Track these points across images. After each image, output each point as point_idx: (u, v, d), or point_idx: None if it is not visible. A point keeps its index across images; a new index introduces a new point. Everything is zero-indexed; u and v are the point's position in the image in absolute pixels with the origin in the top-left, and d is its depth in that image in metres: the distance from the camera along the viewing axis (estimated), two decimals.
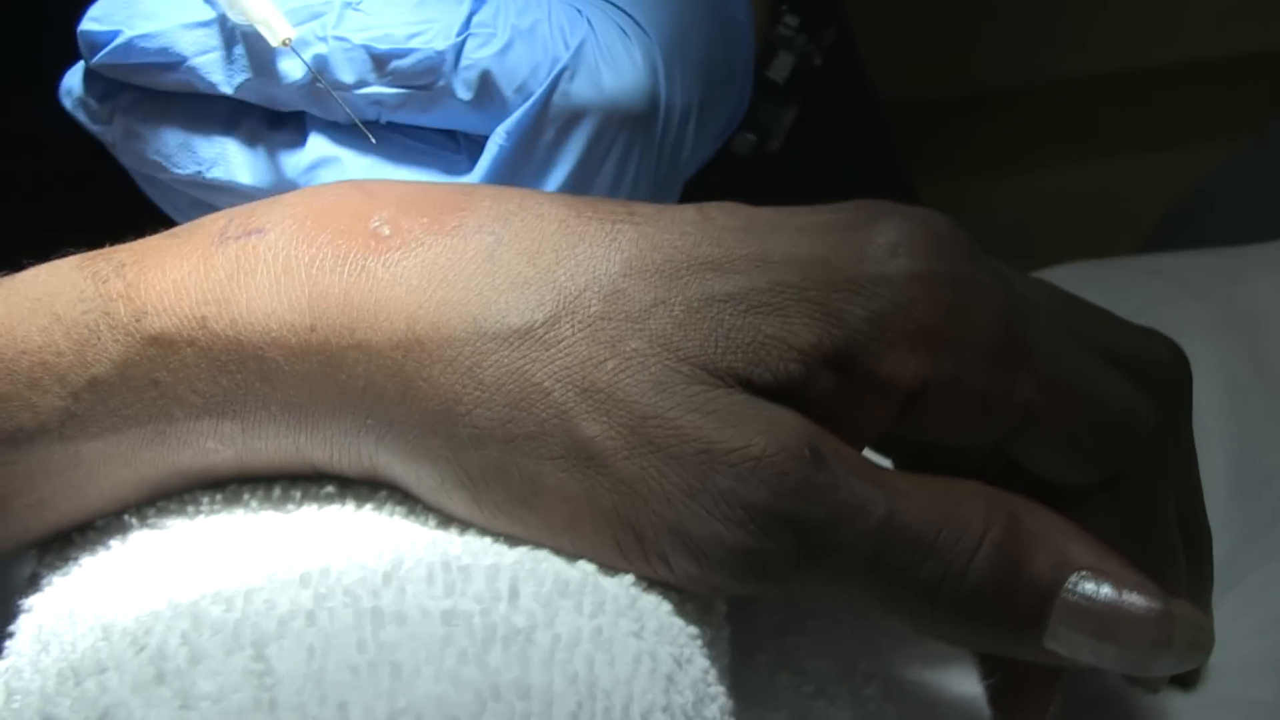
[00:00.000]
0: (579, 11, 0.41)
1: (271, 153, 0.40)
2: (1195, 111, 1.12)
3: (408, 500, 0.34)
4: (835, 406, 0.32)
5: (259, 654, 0.29)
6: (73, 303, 0.33)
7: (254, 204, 0.35)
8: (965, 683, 0.36)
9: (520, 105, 0.39)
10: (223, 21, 0.39)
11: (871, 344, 0.32)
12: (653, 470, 0.31)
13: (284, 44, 0.38)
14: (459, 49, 0.39)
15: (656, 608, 0.31)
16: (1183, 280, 0.59)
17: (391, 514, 0.34)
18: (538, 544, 0.32)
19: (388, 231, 0.34)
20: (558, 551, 0.32)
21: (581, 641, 0.29)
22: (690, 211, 0.34)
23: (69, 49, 0.40)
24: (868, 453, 0.36)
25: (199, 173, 0.40)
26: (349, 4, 0.39)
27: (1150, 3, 1.11)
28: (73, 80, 0.41)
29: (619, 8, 0.41)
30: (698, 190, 0.41)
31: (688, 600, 0.32)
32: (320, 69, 0.39)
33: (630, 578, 0.32)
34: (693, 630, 0.32)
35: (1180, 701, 0.42)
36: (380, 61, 0.39)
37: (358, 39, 0.39)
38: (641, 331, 0.32)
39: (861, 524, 0.31)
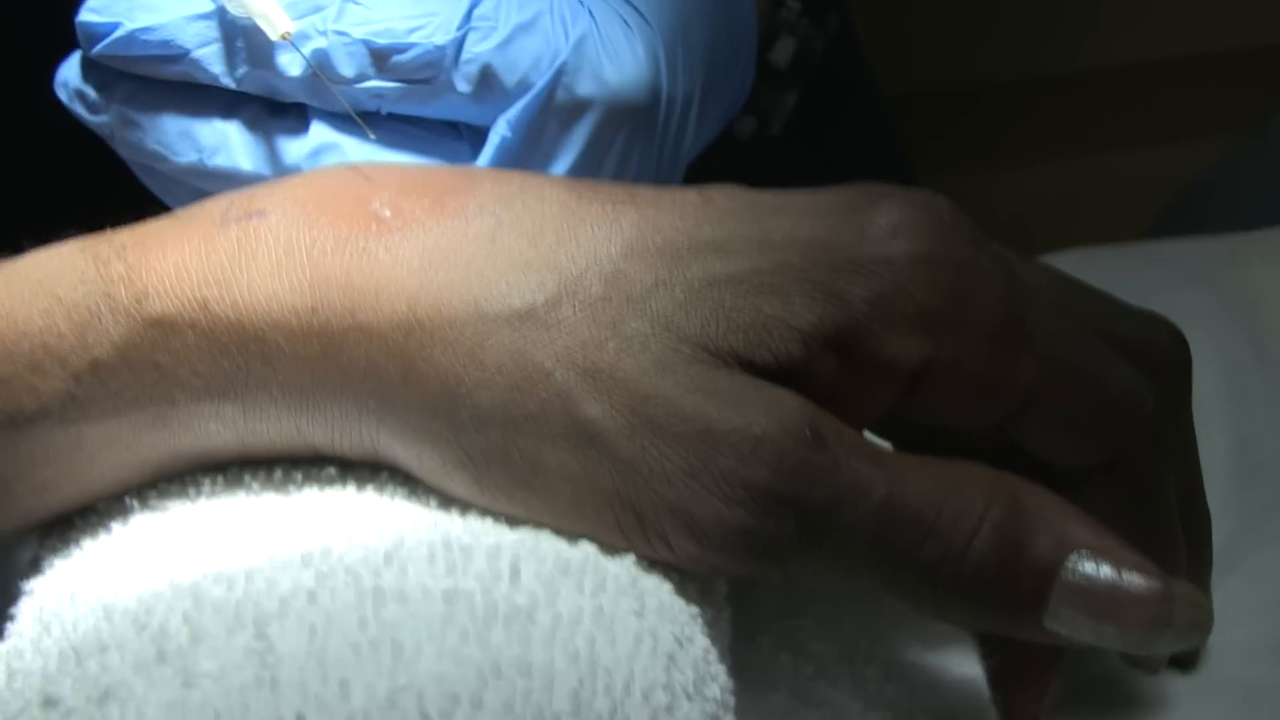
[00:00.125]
0: (581, 2, 0.41)
1: (273, 139, 0.40)
2: (1197, 106, 1.12)
3: (409, 482, 0.34)
4: (836, 388, 0.32)
5: (260, 633, 0.29)
6: (74, 285, 0.34)
7: (255, 187, 0.35)
8: (966, 664, 0.37)
9: (522, 98, 0.39)
10: (222, 13, 0.39)
11: (872, 325, 0.32)
12: (654, 451, 0.31)
13: (283, 38, 0.38)
14: (460, 43, 0.39)
15: (657, 587, 0.31)
16: (1183, 267, 0.59)
17: (393, 495, 0.34)
18: (539, 524, 0.32)
19: (389, 214, 0.34)
20: (559, 531, 0.32)
21: (583, 620, 0.29)
22: (691, 194, 0.34)
23: (63, 40, 0.40)
24: (869, 436, 0.36)
25: (200, 160, 0.40)
26: None
27: None
28: (69, 71, 0.41)
29: None
30: (699, 173, 0.41)
31: (689, 580, 0.32)
32: (320, 63, 0.39)
33: (631, 558, 0.32)
34: (694, 610, 0.32)
35: (1180, 683, 0.42)
36: (380, 56, 0.39)
37: (358, 33, 0.39)
38: (642, 313, 0.32)
39: (862, 504, 0.31)
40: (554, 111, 0.40)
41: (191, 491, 0.35)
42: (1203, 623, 0.31)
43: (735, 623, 0.35)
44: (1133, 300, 0.38)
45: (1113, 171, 1.17)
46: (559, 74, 0.39)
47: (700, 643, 0.31)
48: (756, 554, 0.31)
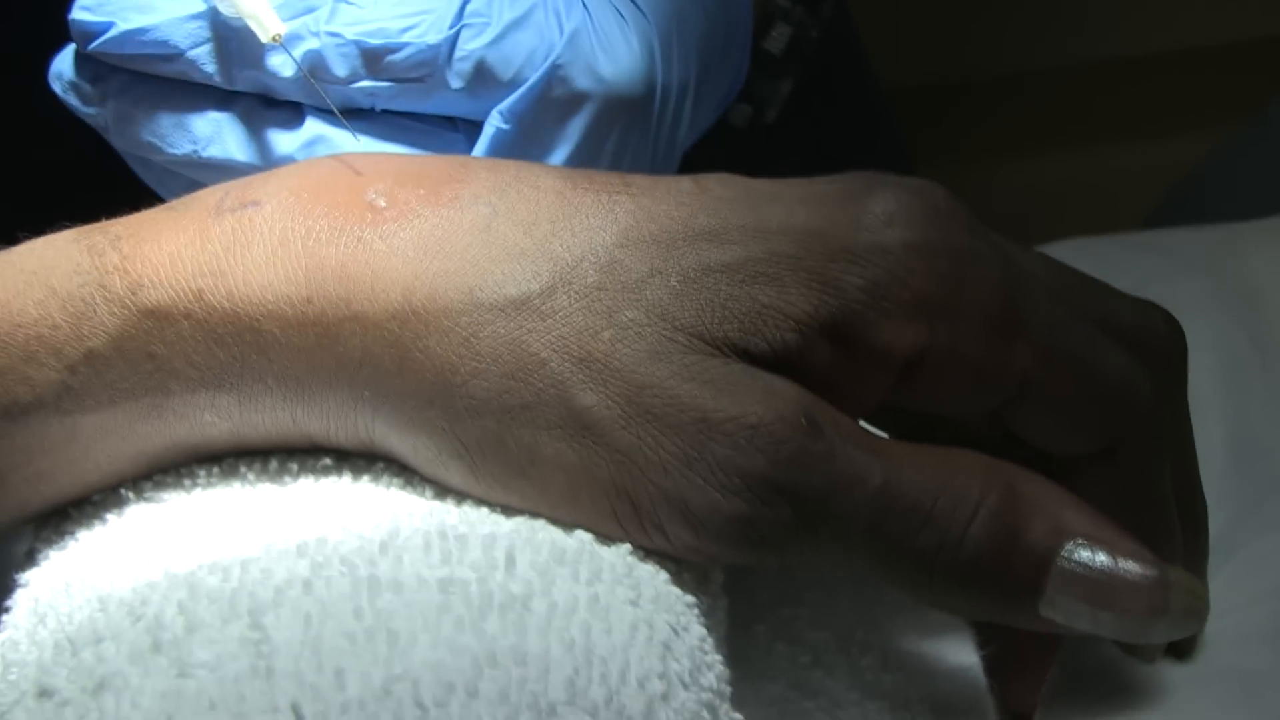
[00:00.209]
0: None
1: (268, 130, 0.40)
2: (1194, 98, 1.12)
3: (405, 472, 0.34)
4: (832, 376, 0.32)
5: (256, 622, 0.29)
6: (68, 276, 0.33)
7: (250, 177, 0.35)
8: (962, 652, 0.37)
9: (516, 92, 0.39)
10: (214, 14, 0.39)
11: (868, 313, 0.32)
12: (649, 439, 0.31)
13: (274, 40, 0.38)
14: (453, 41, 0.39)
15: (653, 576, 0.31)
16: (1180, 256, 0.59)
17: (388, 485, 0.34)
18: (535, 514, 0.32)
19: (384, 203, 0.34)
20: (554, 521, 0.32)
21: (578, 609, 0.29)
22: (686, 183, 0.34)
23: (58, 32, 0.40)
24: (865, 426, 0.36)
25: (194, 152, 0.40)
26: None
27: None
28: (62, 64, 0.41)
29: None
30: (695, 161, 0.41)
31: (684, 569, 0.32)
32: (314, 64, 0.39)
33: (627, 547, 0.32)
34: (689, 599, 0.32)
35: (1176, 672, 0.42)
36: (374, 56, 0.39)
37: (350, 34, 0.38)
38: (638, 301, 0.32)
39: (859, 492, 0.31)
40: (549, 105, 0.40)
41: (187, 482, 0.35)
42: (1199, 610, 0.31)
43: (732, 612, 0.35)
44: (1130, 289, 0.38)
45: (1109, 163, 1.17)
46: (553, 68, 0.39)
47: (696, 631, 0.31)
48: (753, 542, 0.31)
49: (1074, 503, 0.32)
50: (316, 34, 0.38)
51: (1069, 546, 0.31)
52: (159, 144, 0.40)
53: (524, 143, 0.40)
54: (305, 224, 0.33)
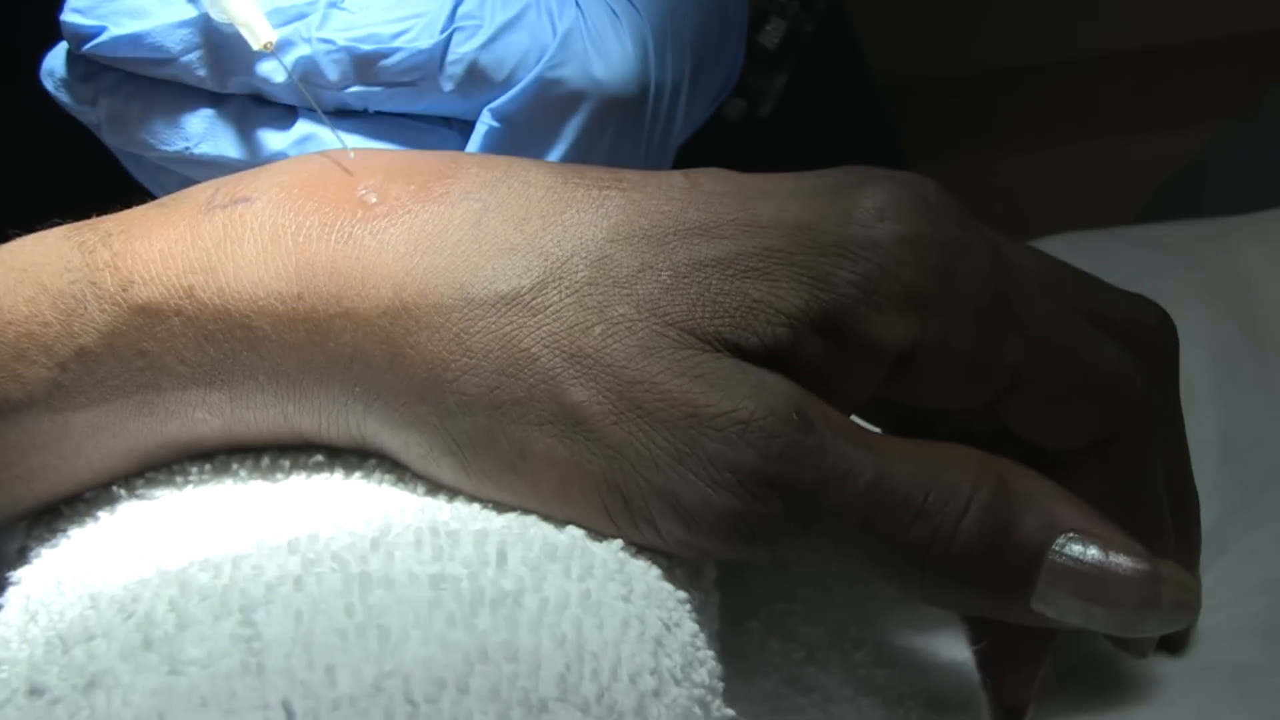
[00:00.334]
0: None
1: (260, 128, 0.40)
2: (1190, 92, 1.12)
3: (396, 469, 0.34)
4: (823, 370, 0.32)
5: (247, 619, 0.29)
6: (59, 273, 0.33)
7: (241, 173, 0.35)
8: (955, 648, 0.37)
9: (509, 92, 0.39)
10: (206, 20, 0.39)
11: (859, 307, 0.32)
12: (640, 435, 0.31)
13: (265, 48, 0.38)
14: (445, 45, 0.39)
15: (645, 572, 0.31)
16: (1174, 249, 0.59)
17: (380, 482, 0.34)
18: (526, 510, 0.32)
19: (375, 199, 0.34)
20: (546, 517, 0.32)
21: (569, 605, 0.29)
22: (678, 177, 0.34)
23: (50, 29, 0.40)
24: (857, 421, 0.36)
25: (187, 149, 0.40)
26: (333, 3, 0.39)
27: None
28: (54, 61, 0.40)
29: None
30: (688, 156, 0.41)
31: (676, 565, 0.32)
32: (306, 70, 0.38)
33: (618, 543, 0.32)
34: (681, 595, 0.32)
35: (1169, 666, 0.42)
36: (366, 62, 0.39)
37: (342, 40, 0.38)
38: (629, 297, 0.32)
39: (850, 487, 0.31)
40: (542, 106, 0.39)
41: (179, 479, 0.35)
42: (1190, 604, 0.31)
43: (725, 607, 0.35)
44: (1123, 282, 0.38)
45: (1105, 157, 1.17)
46: (546, 69, 0.39)
47: (688, 627, 0.31)
48: (744, 537, 0.31)
49: (1066, 497, 0.32)
50: (308, 40, 0.38)
51: (1061, 541, 0.31)
52: (151, 141, 0.40)
53: (517, 141, 0.40)
54: (296, 220, 0.33)
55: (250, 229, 0.33)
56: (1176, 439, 0.40)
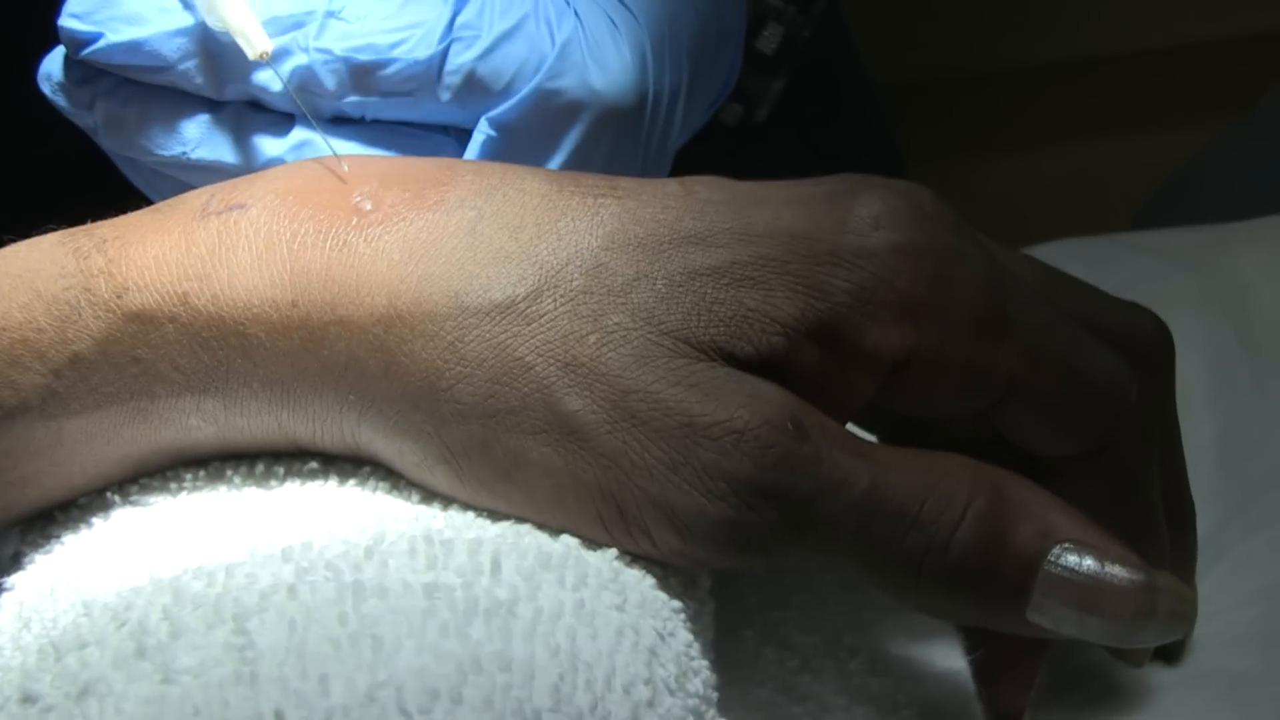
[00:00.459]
0: (567, 2, 0.40)
1: (256, 134, 0.40)
2: (1186, 95, 1.12)
3: (391, 476, 0.34)
4: (819, 379, 0.32)
5: (240, 628, 0.29)
6: (53, 279, 0.33)
7: (236, 180, 0.35)
8: (950, 657, 0.36)
9: (507, 101, 0.39)
10: (203, 29, 0.38)
11: (854, 316, 0.32)
12: (635, 444, 0.31)
13: (261, 57, 0.38)
14: (443, 55, 0.39)
15: (639, 581, 0.31)
16: (1170, 255, 0.59)
17: (374, 490, 0.34)
18: (520, 518, 0.32)
19: (369, 206, 0.33)
20: (540, 526, 0.32)
21: (563, 615, 0.29)
22: (673, 185, 0.34)
23: (46, 32, 0.40)
24: (853, 429, 0.36)
25: (183, 153, 0.40)
26: (331, 13, 0.39)
27: None
28: (51, 65, 0.40)
29: None
30: (685, 161, 0.41)
31: (671, 574, 0.32)
32: (303, 79, 0.38)
33: (613, 552, 0.32)
34: (676, 604, 0.32)
35: (1165, 675, 0.42)
36: (363, 72, 0.38)
37: (339, 49, 0.38)
38: (623, 305, 0.32)
39: (845, 496, 0.31)
40: (540, 116, 0.39)
41: (173, 486, 0.35)
42: (1186, 614, 0.31)
43: (719, 617, 0.35)
44: (1119, 289, 0.38)
45: (1103, 159, 1.17)
46: (544, 80, 0.39)
47: (683, 637, 0.31)
48: (739, 546, 0.31)
49: (1061, 506, 0.32)
50: (305, 49, 0.38)
51: (1056, 551, 0.31)
52: (147, 145, 0.40)
53: (515, 151, 0.40)
54: (291, 227, 0.33)
55: (245, 236, 0.33)
56: (1172, 446, 0.40)
